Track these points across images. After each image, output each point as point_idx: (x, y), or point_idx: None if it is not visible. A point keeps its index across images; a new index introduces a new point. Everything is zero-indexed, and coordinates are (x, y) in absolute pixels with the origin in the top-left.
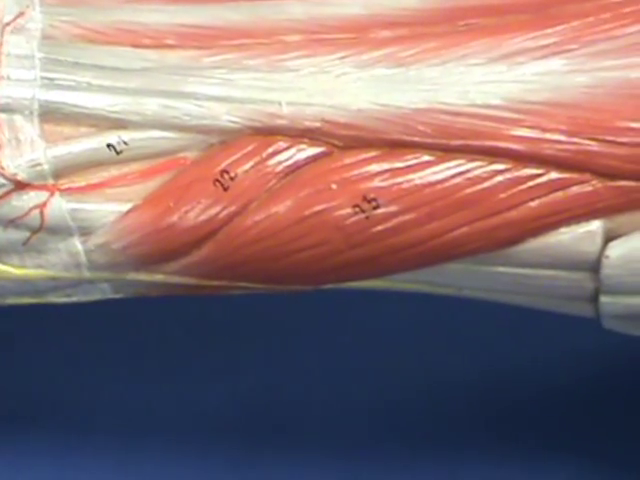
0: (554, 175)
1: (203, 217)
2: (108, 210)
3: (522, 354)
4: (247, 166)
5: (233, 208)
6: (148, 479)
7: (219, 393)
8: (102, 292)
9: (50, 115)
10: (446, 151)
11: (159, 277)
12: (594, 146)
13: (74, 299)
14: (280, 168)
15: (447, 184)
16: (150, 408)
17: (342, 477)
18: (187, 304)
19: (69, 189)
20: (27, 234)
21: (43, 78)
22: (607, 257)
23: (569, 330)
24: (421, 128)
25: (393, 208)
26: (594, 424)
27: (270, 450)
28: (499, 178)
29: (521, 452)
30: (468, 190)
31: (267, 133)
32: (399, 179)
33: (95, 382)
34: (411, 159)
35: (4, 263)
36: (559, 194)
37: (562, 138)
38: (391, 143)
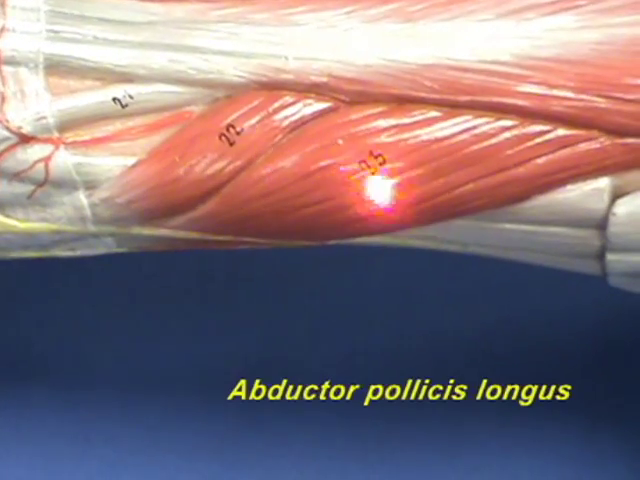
0: (561, 132)
1: (209, 171)
2: (113, 164)
3: (524, 309)
4: (253, 121)
5: (239, 163)
6: (150, 434)
7: (220, 347)
8: (106, 246)
9: (55, 68)
10: (453, 107)
11: (164, 231)
12: (602, 103)
13: (78, 253)
14: (286, 123)
15: (454, 140)
16: (151, 362)
17: (342, 439)
18: (188, 258)
19: (74, 143)
20: (32, 187)
21: (48, 31)
22: (614, 214)
23: (572, 284)
24: (428, 84)
25: (400, 164)
26: (597, 379)
27: (270, 408)
28: (506, 134)
29: (523, 410)
30: (475, 146)
31: (273, 88)
32: (406, 135)
33: (96, 336)
34: (418, 115)
35: (8, 217)
36: (566, 151)
37: (570, 95)
38: (398, 99)
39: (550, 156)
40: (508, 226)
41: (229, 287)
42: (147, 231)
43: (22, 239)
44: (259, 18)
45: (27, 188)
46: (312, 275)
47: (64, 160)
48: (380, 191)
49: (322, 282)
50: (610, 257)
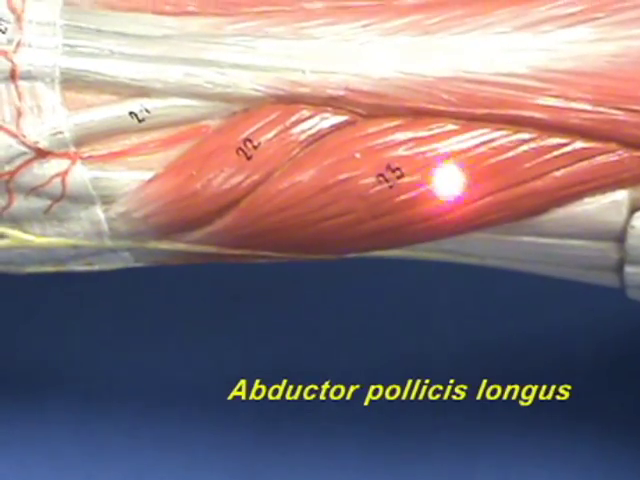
0: (579, 144)
1: (226, 186)
2: (130, 178)
3: (524, 309)
4: (270, 134)
5: (256, 177)
6: (150, 434)
7: (221, 347)
8: (123, 261)
9: (72, 83)
10: (470, 120)
11: (181, 246)
12: (620, 115)
13: (95, 268)
14: (303, 137)
15: (471, 153)
16: (151, 362)
17: (342, 439)
18: (204, 273)
19: (91, 157)
20: (48, 202)
21: (65, 45)
22: (633, 227)
23: (572, 285)
24: (445, 96)
25: (417, 177)
26: (597, 379)
27: (270, 408)
28: (524, 147)
29: (523, 410)
30: (492, 159)
31: (290, 101)
32: (423, 148)
33: (112, 351)
34: (435, 128)
35: (25, 231)
36: (584, 164)
37: (587, 107)
38: (415, 112)
39: (568, 169)
40: (526, 239)
41: (230, 287)
42: (164, 245)
43: (38, 254)
44: (275, 32)
45: (44, 203)
46: (313, 276)
47: (81, 175)
48: (398, 204)
49: (323, 282)
50: (629, 270)
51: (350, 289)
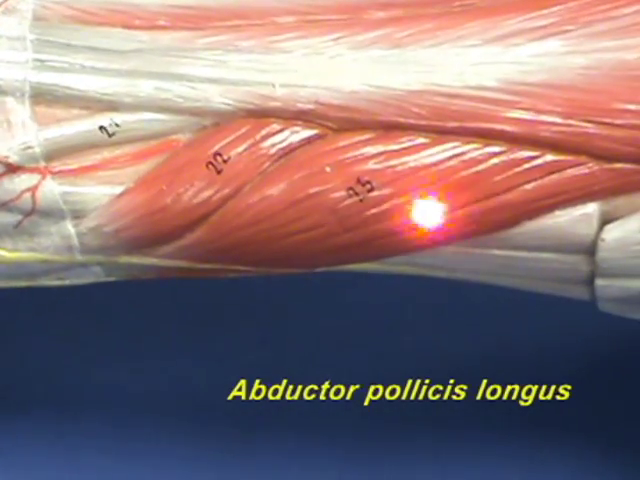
0: (550, 157)
1: (196, 200)
2: (100, 193)
3: (524, 309)
4: (240, 148)
5: (226, 191)
6: (150, 434)
7: (221, 347)
8: (95, 275)
9: (42, 97)
10: (441, 133)
11: (152, 260)
12: (590, 128)
13: (67, 282)
14: (274, 150)
15: (442, 166)
16: (151, 363)
17: (342, 439)
18: (180, 285)
19: (61, 172)
20: (19, 217)
21: (35, 60)
22: (603, 240)
23: (565, 309)
24: (416, 110)
25: (387, 191)
26: (597, 379)
27: (270, 408)
28: (494, 160)
29: (523, 410)
30: (463, 173)
31: (260, 115)
32: (393, 162)
33: (88, 363)
34: (406, 141)
35: None
36: (555, 176)
37: (558, 120)
38: (386, 125)
39: (539, 182)
40: (497, 252)
41: (230, 287)
42: (135, 260)
43: (10, 269)
44: (246, 45)
45: (14, 218)
46: (313, 276)
47: (51, 189)
48: (369, 218)
49: (323, 282)
50: (599, 282)
51: (350, 289)
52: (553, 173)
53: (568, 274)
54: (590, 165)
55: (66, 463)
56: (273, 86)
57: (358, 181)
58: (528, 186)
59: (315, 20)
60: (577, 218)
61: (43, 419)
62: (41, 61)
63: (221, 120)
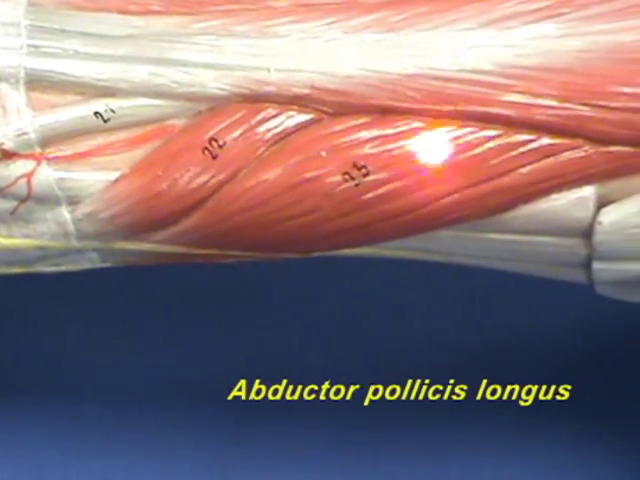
0: (546, 141)
1: (192, 185)
2: (95, 179)
3: (524, 309)
4: (236, 134)
5: (222, 176)
6: (150, 434)
7: (220, 347)
8: (91, 261)
9: (37, 83)
10: (436, 117)
11: (148, 246)
12: (586, 111)
13: (62, 268)
14: (269, 135)
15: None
16: (151, 363)
17: (342, 439)
18: (179, 270)
19: (56, 158)
20: (14, 203)
21: (29, 46)
22: (600, 223)
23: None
24: (411, 94)
25: (383, 175)
26: (597, 379)
27: (270, 408)
28: (490, 144)
29: (523, 410)
30: (459, 157)
31: (256, 100)
32: (389, 146)
33: (112, 351)
34: (401, 125)
35: None
36: (551, 160)
37: (554, 103)
38: (381, 109)
39: (535, 165)
40: (493, 236)
41: (230, 287)
42: (131, 246)
43: (5, 255)
44: (240, 30)
45: (10, 204)
46: (313, 275)
47: (46, 176)
48: (365, 202)
49: (323, 282)
50: (596, 266)
51: (350, 289)
52: (549, 156)
53: (565, 258)
54: (586, 148)
55: (65, 455)
56: (268, 71)
57: (354, 165)
58: (524, 170)
59: (310, 4)
60: (573, 201)
61: (41, 410)
62: (36, 47)
63: (216, 105)
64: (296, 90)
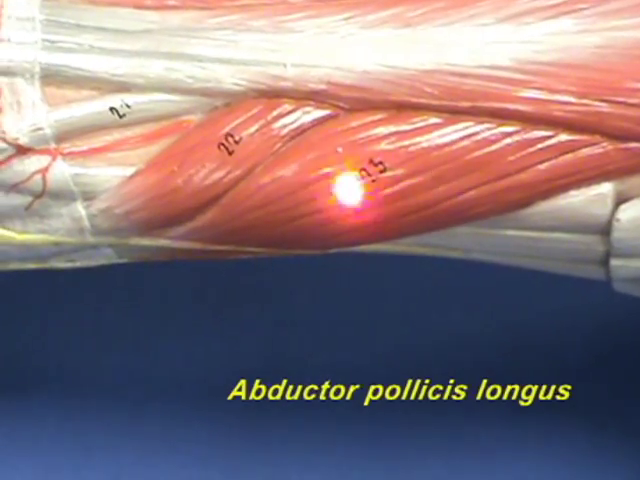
0: (564, 137)
1: (207, 181)
2: (111, 174)
3: (524, 309)
4: (252, 129)
5: (238, 172)
6: (149, 434)
7: (221, 347)
8: (106, 257)
9: (52, 78)
10: (454, 113)
11: (163, 242)
12: (604, 107)
13: (77, 264)
14: (285, 131)
15: (455, 147)
16: (151, 363)
17: (342, 439)
18: (180, 270)
19: (71, 153)
20: (29, 199)
21: (44, 40)
22: (618, 220)
23: (572, 285)
24: (428, 90)
25: (400, 171)
26: (597, 379)
27: (270, 408)
28: (508, 140)
29: (523, 410)
30: (476, 153)
31: (272, 95)
32: (406, 142)
33: (111, 351)
34: (418, 121)
35: (7, 228)
36: (569, 156)
37: (572, 99)
38: (398, 105)
39: (553, 162)
40: (511, 233)
41: (229, 287)
42: (146, 242)
43: (20, 251)
44: (257, 25)
45: (25, 199)
46: (313, 276)
47: (61, 171)
48: (377, 200)
49: (322, 282)
50: (614, 263)
51: (351, 289)
52: (567, 153)
53: (583, 254)
54: (604, 145)
55: (65, 455)
56: (284, 66)
57: (370, 162)
58: (542, 166)
59: None
60: (591, 198)
61: (41, 409)
62: (51, 42)
63: (232, 100)
64: (312, 85)
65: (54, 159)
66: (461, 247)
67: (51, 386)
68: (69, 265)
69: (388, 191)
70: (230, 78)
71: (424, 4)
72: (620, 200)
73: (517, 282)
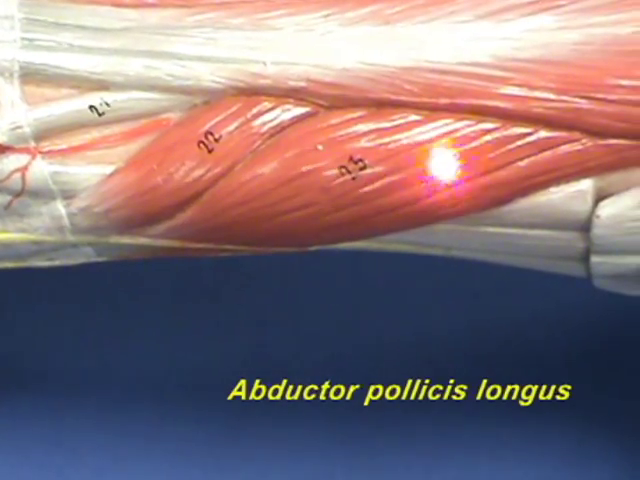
0: (543, 134)
1: (187, 179)
2: (90, 173)
3: (524, 309)
4: (231, 127)
5: (218, 170)
6: (149, 434)
7: (221, 347)
8: (86, 256)
9: (31, 77)
10: (433, 110)
11: (143, 240)
12: (584, 104)
13: (57, 263)
14: (265, 129)
15: (434, 144)
16: (150, 363)
17: (342, 439)
18: (178, 270)
19: (50, 152)
20: (8, 198)
21: (23, 39)
22: (598, 216)
23: (572, 284)
24: (408, 87)
25: (380, 169)
26: (597, 379)
27: (270, 408)
28: (487, 137)
29: (523, 410)
30: (456, 150)
31: (251, 93)
32: (386, 139)
33: (111, 351)
34: (398, 119)
35: None
36: (548, 153)
37: (551, 96)
38: (378, 102)
39: (532, 158)
40: (491, 229)
41: (229, 287)
42: (126, 240)
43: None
44: (236, 23)
45: (4, 198)
46: (312, 275)
47: (41, 170)
48: (361, 196)
49: (322, 282)
50: (594, 259)
51: (351, 289)
52: (547, 150)
53: (563, 251)
54: (584, 141)
55: (64, 455)
56: (264, 64)
57: (350, 159)
58: (521, 163)
59: None
60: (571, 195)
61: (41, 409)
62: (30, 40)
63: (212, 98)
64: (292, 83)
65: (33, 158)
66: (441, 244)
67: (51, 386)
68: (48, 264)
69: (368, 188)
70: (209, 76)
71: (403, 1)
72: (600, 197)
73: (518, 282)
